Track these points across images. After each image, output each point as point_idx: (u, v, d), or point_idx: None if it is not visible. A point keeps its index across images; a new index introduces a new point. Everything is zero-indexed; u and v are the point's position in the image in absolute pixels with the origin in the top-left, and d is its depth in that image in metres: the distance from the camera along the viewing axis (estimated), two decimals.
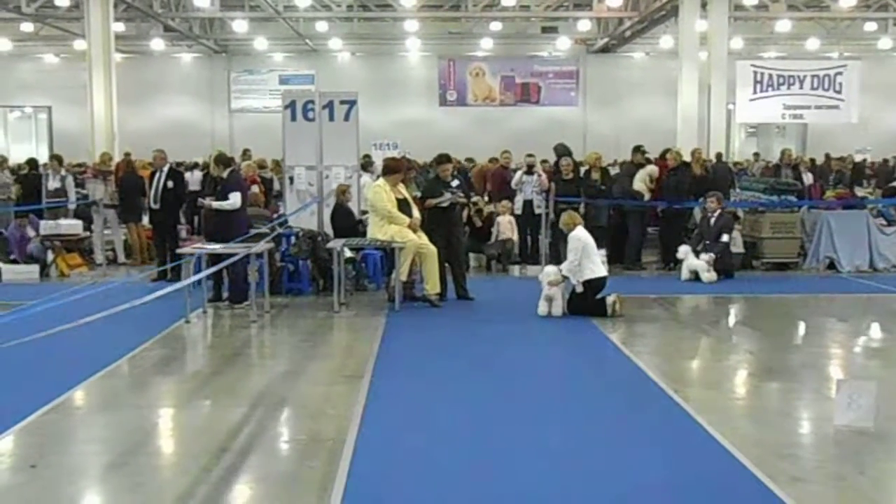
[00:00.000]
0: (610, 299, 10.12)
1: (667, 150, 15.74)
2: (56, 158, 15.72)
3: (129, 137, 24.46)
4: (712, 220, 13.16)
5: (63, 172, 15.53)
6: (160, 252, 13.18)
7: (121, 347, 8.57)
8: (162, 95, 32.98)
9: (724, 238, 12.99)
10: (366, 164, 14.57)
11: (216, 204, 11.14)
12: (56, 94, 32.19)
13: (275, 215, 12.93)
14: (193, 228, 15.13)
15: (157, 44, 30.65)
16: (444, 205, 11.18)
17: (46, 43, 31.38)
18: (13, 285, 12.96)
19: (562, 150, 15.18)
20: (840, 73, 23.89)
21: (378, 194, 10.87)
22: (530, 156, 14.75)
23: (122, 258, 14.93)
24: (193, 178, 16.08)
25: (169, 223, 13.12)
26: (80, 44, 26.82)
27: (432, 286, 10.85)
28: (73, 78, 28.68)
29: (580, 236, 10.25)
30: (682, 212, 14.49)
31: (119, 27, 25.98)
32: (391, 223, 10.75)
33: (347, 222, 12.14)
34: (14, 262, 13.82)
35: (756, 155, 26.87)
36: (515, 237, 14.18)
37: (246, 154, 19.58)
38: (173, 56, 33.52)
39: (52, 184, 15.04)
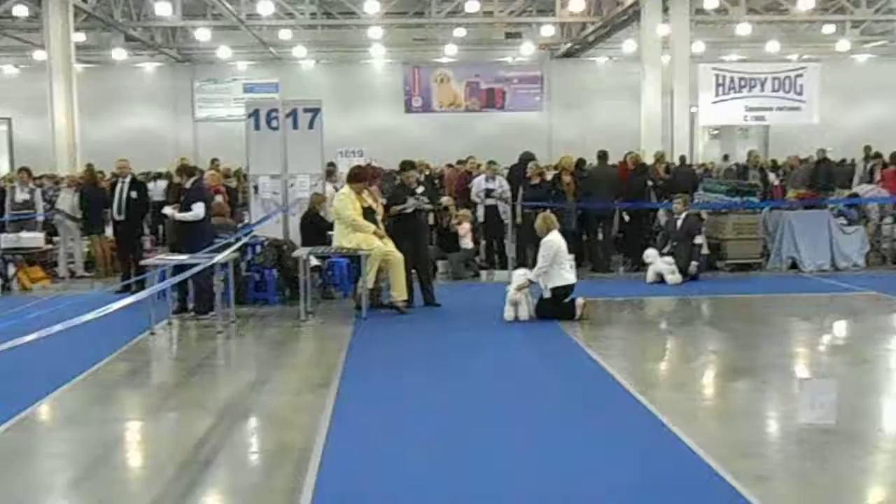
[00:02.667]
0: (578, 302, 10.17)
1: (628, 154, 15.90)
2: (25, 170, 15.53)
3: (92, 148, 24.26)
4: (678, 222, 13.27)
5: (31, 185, 15.32)
6: (124, 264, 13.05)
7: (84, 361, 8.47)
8: (125, 105, 32.73)
9: (698, 240, 13.10)
10: (329, 172, 14.51)
11: (179, 215, 11.06)
12: (16, 106, 31.82)
13: (240, 224, 12.84)
14: (158, 239, 15.03)
15: (119, 53, 30.38)
16: (409, 210, 11.18)
17: (5, 53, 31.00)
18: None
19: (526, 157, 15.25)
20: (800, 76, 24.26)
21: (343, 203, 10.85)
22: (492, 162, 14.80)
23: (80, 271, 14.76)
24: (157, 188, 15.97)
25: (133, 234, 12.99)
26: (39, 54, 26.55)
27: (399, 293, 10.84)
28: (33, 89, 28.35)
29: (553, 242, 10.28)
30: (644, 214, 14.64)
31: (79, 37, 25.75)
32: (357, 231, 10.73)
33: (318, 230, 12.06)
34: None
35: (726, 157, 27.12)
36: (471, 244, 14.16)
37: (214, 164, 19.47)
38: (136, 66, 33.27)
39: (20, 196, 14.83)
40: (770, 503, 4.88)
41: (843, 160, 24.28)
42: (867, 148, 21.06)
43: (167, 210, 11.95)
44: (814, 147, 27.24)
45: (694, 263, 12.97)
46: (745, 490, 5.04)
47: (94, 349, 8.89)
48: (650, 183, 15.02)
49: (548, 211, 11.22)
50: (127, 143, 27.51)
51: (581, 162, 15.29)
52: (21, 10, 24.33)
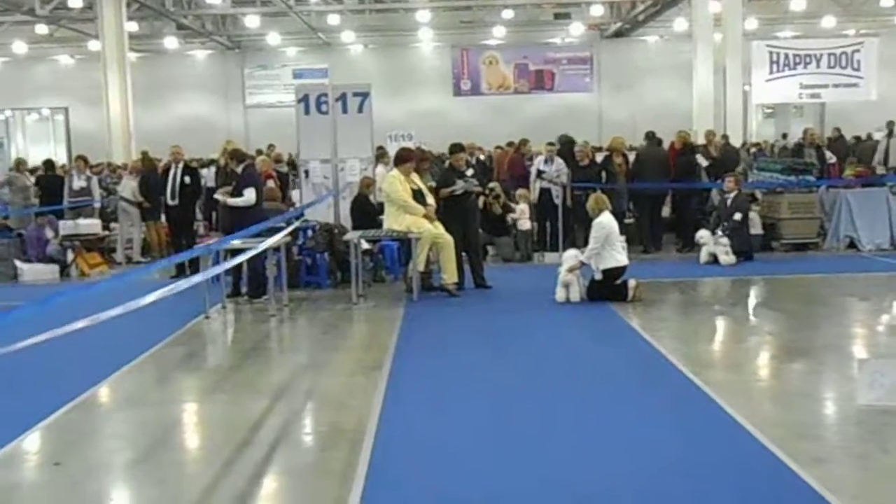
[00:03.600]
0: (630, 284, 10.09)
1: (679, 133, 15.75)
2: (82, 158, 15.85)
3: (146, 136, 24.59)
4: (728, 202, 13.08)
5: (88, 173, 15.64)
6: (178, 248, 13.24)
7: (142, 344, 8.63)
8: (177, 93, 33.13)
9: (737, 216, 12.88)
10: (380, 156, 14.56)
11: (230, 200, 11.19)
12: (72, 95, 32.40)
13: (291, 209, 12.95)
14: (211, 224, 15.21)
15: (171, 42, 30.77)
16: (458, 193, 11.17)
17: (61, 44, 31.56)
18: (34, 286, 13.08)
19: (565, 139, 15.14)
20: (857, 51, 23.63)
21: (393, 184, 10.88)
22: (551, 144, 14.70)
23: (137, 256, 15.03)
24: (210, 175, 16.15)
25: (186, 219, 13.18)
26: (94, 44, 26.98)
27: (450, 275, 10.85)
28: (88, 78, 28.86)
29: (605, 222, 10.19)
30: (696, 194, 14.46)
31: (132, 26, 26.09)
32: (407, 213, 10.76)
33: (368, 214, 12.13)
34: (29, 261, 13.90)
35: (784, 136, 26.63)
36: (529, 226, 14.09)
37: (270, 148, 19.69)
38: (187, 53, 33.64)
39: (78, 183, 15.15)
40: (828, 485, 4.79)
41: None
42: (890, 123, 20.36)
43: (218, 195, 12.10)
44: (871, 124, 26.72)
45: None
46: (803, 472, 4.95)
47: (152, 332, 9.05)
48: (704, 163, 14.80)
49: (599, 192, 11.13)
50: (179, 131, 27.87)
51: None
52: (76, 2, 24.73)
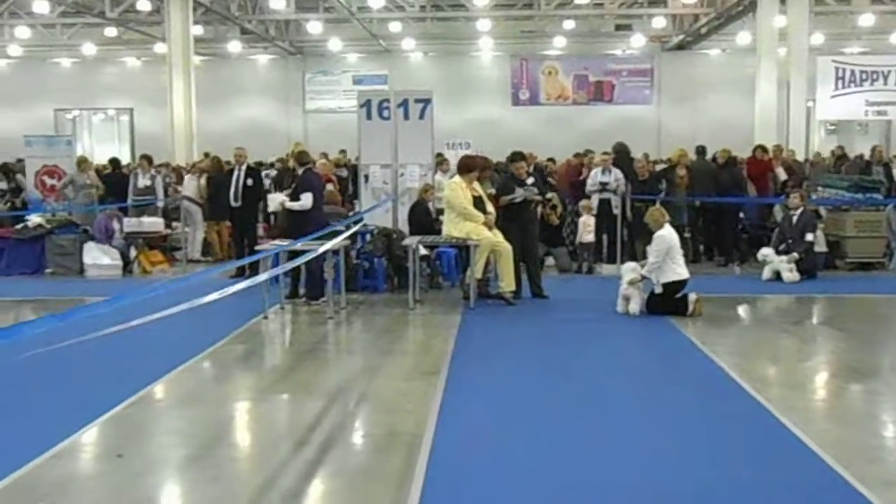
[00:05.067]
0: (691, 298, 9.94)
1: (756, 147, 15.63)
2: (146, 158, 16.16)
3: (208, 138, 25.02)
4: (794, 219, 12.84)
5: (152, 172, 15.93)
6: (239, 249, 13.40)
7: (201, 342, 8.72)
8: (238, 96, 33.59)
9: (809, 237, 12.66)
10: (439, 163, 14.57)
11: (288, 204, 11.29)
12: (138, 97, 33.07)
13: (350, 213, 13.03)
14: (270, 226, 15.36)
15: (235, 46, 31.23)
16: (518, 201, 11.13)
17: (129, 47, 32.22)
18: (98, 281, 13.33)
19: (619, 148, 15.01)
20: None
21: (454, 191, 10.89)
22: (606, 153, 14.60)
23: (197, 255, 15.23)
24: (270, 176, 16.32)
25: (248, 221, 13.31)
26: (160, 47, 27.51)
27: (507, 283, 10.81)
28: (153, 80, 29.44)
29: (666, 236, 10.07)
30: (731, 209, 14.35)
31: (198, 30, 26.56)
32: (467, 220, 10.75)
33: (425, 220, 12.15)
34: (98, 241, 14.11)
35: (841, 149, 26.02)
36: (593, 237, 13.95)
37: (342, 153, 19.89)
38: (249, 58, 34.10)
39: (142, 181, 15.44)
40: None
41: None
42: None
43: (278, 197, 12.22)
44: None
45: (793, 254, 12.52)
46: (871, 494, 4.82)
47: (211, 331, 9.16)
48: (783, 176, 14.63)
49: (659, 205, 11.00)
50: (240, 133, 28.23)
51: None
52: (144, 5, 25.25)
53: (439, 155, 15.41)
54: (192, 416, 6.65)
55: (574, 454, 5.59)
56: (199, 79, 25.27)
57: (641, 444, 5.77)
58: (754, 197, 14.99)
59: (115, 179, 16.23)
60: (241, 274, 11.85)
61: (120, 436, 6.14)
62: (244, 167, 13.18)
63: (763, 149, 16.00)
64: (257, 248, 11.31)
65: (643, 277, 10.05)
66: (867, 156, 17.66)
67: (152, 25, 27.65)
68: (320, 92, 33.90)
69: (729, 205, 14.42)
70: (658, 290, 10.02)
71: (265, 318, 10.12)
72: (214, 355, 8.54)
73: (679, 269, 10.09)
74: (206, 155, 17.12)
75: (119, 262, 14.02)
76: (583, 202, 14.16)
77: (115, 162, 17.66)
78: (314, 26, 28.73)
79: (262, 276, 8.64)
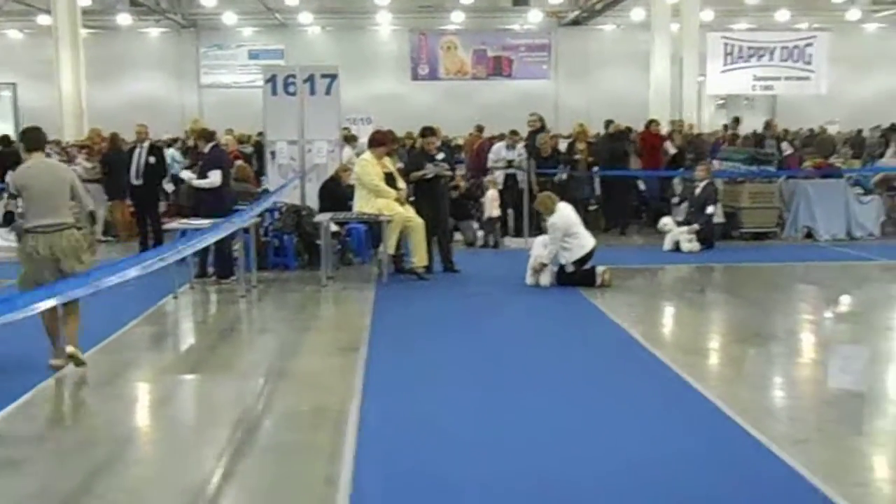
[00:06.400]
0: (599, 269, 10.19)
1: (651, 122, 16.04)
2: None
3: (98, 114, 24.12)
4: (697, 191, 13.29)
5: (47, 150, 15.26)
6: (142, 228, 13.06)
7: (111, 324, 8.50)
8: (130, 71, 32.47)
9: (710, 209, 13.12)
10: (348, 138, 14.49)
11: (196, 182, 11.07)
12: (21, 71, 31.59)
13: (259, 189, 12.84)
14: (169, 205, 15.04)
15: (125, 18, 30.18)
16: (429, 177, 11.18)
17: (9, 18, 30.74)
18: None
19: (538, 123, 15.24)
20: (809, 45, 24.07)
21: (365, 168, 10.87)
22: (514, 132, 14.76)
23: (98, 236, 14.76)
24: (171, 153, 15.91)
25: (150, 199, 12.97)
26: (44, 19, 26.36)
27: (420, 259, 10.88)
28: (38, 54, 28.20)
29: (557, 222, 10.23)
30: (623, 181, 14.93)
31: (85, 1, 25.54)
32: (378, 196, 10.75)
33: (337, 197, 12.04)
34: None
35: (737, 121, 26.90)
36: (499, 212, 14.09)
37: (230, 132, 19.41)
38: (141, 31, 33.01)
39: None
40: (810, 467, 4.91)
41: (860, 130, 24.24)
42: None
43: (184, 174, 11.96)
44: (821, 118, 27.28)
45: (693, 226, 12.99)
46: (784, 454, 5.07)
47: (120, 313, 8.92)
48: (671, 150, 15.14)
49: (546, 192, 11.20)
50: (132, 109, 27.31)
51: None
52: None
53: (346, 129, 15.32)
54: (111, 398, 6.52)
55: (498, 422, 5.73)
56: (88, 52, 24.34)
57: (563, 413, 5.95)
58: (654, 170, 15.42)
59: (7, 157, 15.52)
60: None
61: (40, 419, 5.97)
62: (146, 144, 12.82)
63: (656, 123, 16.46)
64: (165, 226, 11.05)
65: (544, 266, 10.19)
66: (759, 129, 18.33)
67: None
68: (215, 66, 33.08)
69: (621, 177, 14.82)
70: (570, 269, 10.19)
71: (175, 298, 9.93)
72: (125, 337, 8.33)
73: (583, 242, 10.27)
74: (96, 132, 16.48)
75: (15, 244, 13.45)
76: (487, 177, 14.32)
77: (4, 139, 16.91)
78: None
79: (170, 254, 8.34)
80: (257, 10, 29.92)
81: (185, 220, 10.65)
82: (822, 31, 25.24)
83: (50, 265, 6.90)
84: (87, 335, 7.91)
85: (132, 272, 6.21)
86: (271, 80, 12.94)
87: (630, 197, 15.50)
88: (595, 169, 14.86)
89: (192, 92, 33.11)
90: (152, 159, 12.66)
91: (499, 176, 14.19)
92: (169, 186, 14.35)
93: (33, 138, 7.35)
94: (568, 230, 10.19)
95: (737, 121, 20.19)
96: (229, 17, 30.76)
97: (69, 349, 6.89)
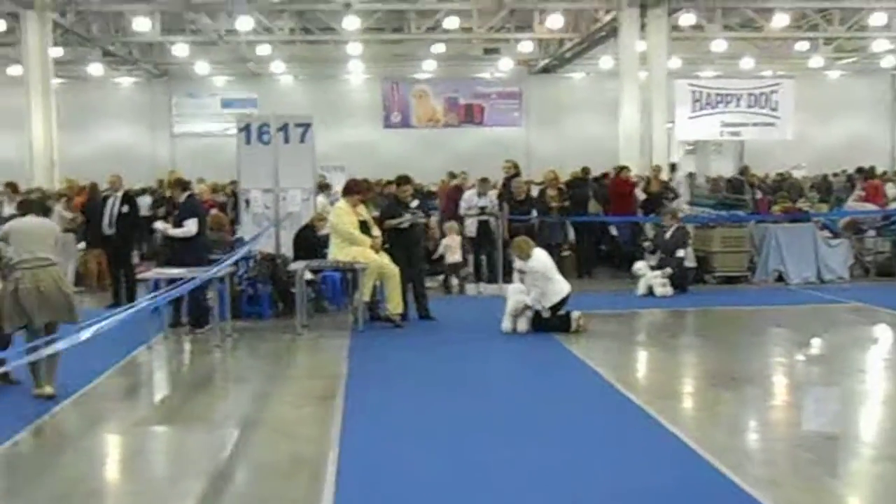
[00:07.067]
0: (575, 314, 10.24)
1: (621, 168, 16.29)
2: (10, 185, 15.44)
3: (69, 164, 24.03)
4: (667, 235, 13.44)
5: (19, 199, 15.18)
6: (114, 278, 12.96)
7: (84, 375, 8.39)
8: (102, 120, 32.39)
9: (680, 253, 13.27)
10: (322, 186, 14.54)
11: (171, 231, 11.05)
12: None
13: (233, 238, 12.81)
14: (143, 254, 14.96)
15: (96, 68, 30.19)
16: (405, 226, 11.23)
17: None
18: None
19: (514, 171, 15.42)
20: (775, 91, 24.53)
21: (340, 216, 10.92)
22: (485, 180, 14.89)
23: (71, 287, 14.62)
24: (143, 204, 15.85)
25: (124, 249, 12.90)
26: (14, 69, 26.30)
27: (395, 306, 10.88)
28: (8, 103, 28.10)
29: (536, 266, 10.33)
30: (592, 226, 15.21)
31: (57, 52, 25.54)
32: (353, 244, 10.78)
33: (311, 245, 12.04)
34: None
35: (691, 174, 27.24)
36: (459, 258, 14.14)
37: (201, 181, 19.38)
38: (112, 80, 33.02)
39: (7, 210, 14.70)
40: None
41: (825, 175, 24.68)
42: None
43: (159, 225, 11.92)
44: (787, 163, 27.74)
45: (666, 270, 13.12)
46: (760, 495, 5.12)
47: (93, 363, 8.81)
48: (641, 196, 15.34)
49: (521, 236, 11.30)
50: (104, 158, 27.29)
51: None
52: None
53: (321, 177, 15.37)
54: (84, 452, 6.44)
55: (477, 470, 5.72)
56: (60, 102, 24.28)
57: (541, 459, 5.94)
58: (626, 215, 15.58)
59: None
60: (117, 304, 11.51)
61: (9, 477, 5.87)
62: (120, 193, 12.78)
63: (627, 169, 16.67)
64: (139, 276, 10.99)
65: (527, 307, 10.26)
66: (728, 175, 18.62)
67: (5, 46, 26.39)
68: (188, 115, 33.15)
69: (590, 223, 15.00)
70: (546, 314, 10.25)
71: (149, 348, 9.85)
72: (98, 389, 8.22)
73: (558, 288, 10.35)
74: (68, 182, 16.41)
75: None
76: (447, 224, 14.39)
77: None
78: (180, 48, 28.08)
79: (143, 304, 8.30)
80: (230, 59, 30.05)
81: (160, 270, 10.60)
82: (787, 79, 25.79)
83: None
84: (61, 387, 7.87)
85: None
86: (245, 128, 12.98)
87: (600, 241, 15.66)
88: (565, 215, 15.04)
89: (164, 141, 33.10)
90: (125, 208, 12.61)
91: (471, 224, 14.26)
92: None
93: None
94: (545, 274, 10.26)
95: (690, 175, 20.50)
96: (202, 67, 30.85)
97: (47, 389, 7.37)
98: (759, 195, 16.76)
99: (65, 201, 15.28)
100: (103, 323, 6.40)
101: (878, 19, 24.52)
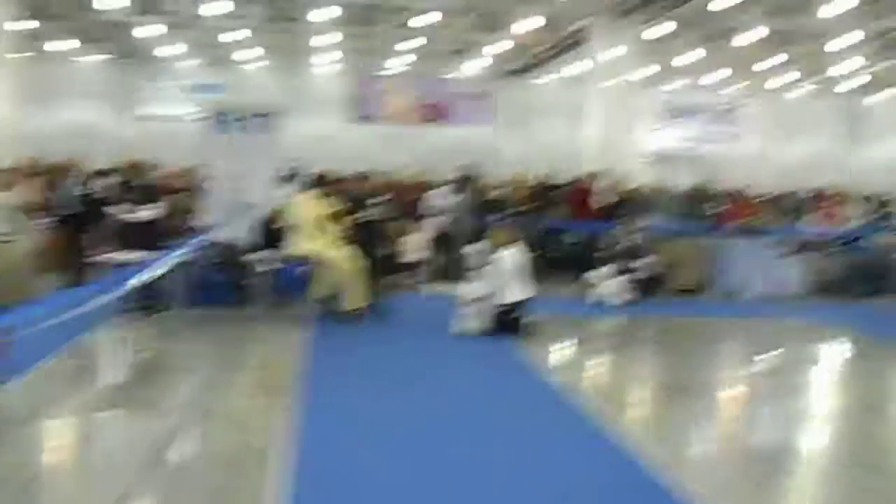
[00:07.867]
0: (529, 318, 10.30)
1: (586, 175, 16.41)
2: None
3: (30, 141, 23.66)
4: (625, 244, 13.55)
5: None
6: (70, 261, 12.77)
7: (31, 359, 8.26)
8: (64, 99, 32.02)
9: (638, 262, 13.39)
10: (285, 177, 14.44)
11: (127, 216, 10.94)
12: None
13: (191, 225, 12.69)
14: (99, 237, 14.73)
15: (61, 45, 29.76)
16: (366, 220, 11.23)
17: None
18: None
19: (466, 175, 15.46)
20: (737, 108, 24.99)
21: (302, 208, 10.88)
22: (457, 179, 14.90)
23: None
24: (104, 185, 15.63)
25: (80, 231, 12.70)
26: None
27: (353, 300, 10.87)
28: None
29: (505, 259, 10.36)
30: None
31: (19, 26, 25.09)
32: (311, 237, 10.75)
33: (272, 236, 11.97)
34: None
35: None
36: (421, 256, 14.15)
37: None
38: (78, 59, 32.58)
39: None
40: None
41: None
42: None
43: (114, 209, 11.76)
44: (748, 178, 28.12)
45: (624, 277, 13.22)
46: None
47: (40, 346, 8.67)
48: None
49: (505, 229, 11.34)
50: (66, 137, 27.00)
51: None
52: None
53: (290, 168, 15.26)
54: (27, 437, 6.34)
55: (428, 468, 5.76)
56: (22, 79, 23.90)
57: (493, 460, 5.99)
58: (592, 222, 15.67)
59: None
60: (70, 286, 11.35)
61: None
62: (77, 175, 12.61)
63: (591, 175, 16.80)
64: (92, 259, 10.85)
65: (479, 299, 10.30)
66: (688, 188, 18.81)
67: None
68: (153, 98, 32.83)
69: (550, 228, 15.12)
70: (496, 311, 10.30)
71: (99, 332, 9.70)
72: (47, 373, 8.11)
73: (516, 290, 10.40)
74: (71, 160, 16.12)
75: None
76: (408, 223, 14.41)
77: None
78: (147, 30, 27.78)
79: (96, 290, 8.21)
80: (197, 43, 29.79)
81: (113, 254, 10.47)
82: (751, 97, 26.21)
83: None
84: (5, 370, 7.74)
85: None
86: (210, 116, 12.88)
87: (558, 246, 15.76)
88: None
89: (128, 123, 32.75)
90: (80, 189, 12.44)
91: (433, 223, 14.29)
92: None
93: None
94: (512, 271, 10.27)
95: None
96: (170, 50, 30.55)
97: None
98: (719, 208, 16.95)
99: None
100: (53, 305, 6.33)
101: (835, 45, 24.99)
